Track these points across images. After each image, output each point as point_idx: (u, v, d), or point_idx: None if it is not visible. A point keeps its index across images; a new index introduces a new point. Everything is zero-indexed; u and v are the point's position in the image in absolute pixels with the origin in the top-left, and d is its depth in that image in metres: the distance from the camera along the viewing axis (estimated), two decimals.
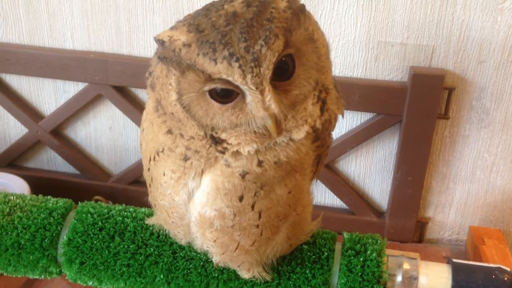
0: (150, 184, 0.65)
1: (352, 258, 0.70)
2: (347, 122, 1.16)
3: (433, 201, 1.22)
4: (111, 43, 1.19)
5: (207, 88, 0.52)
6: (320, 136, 0.59)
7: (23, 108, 1.28)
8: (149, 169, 0.63)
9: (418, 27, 1.06)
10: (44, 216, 0.77)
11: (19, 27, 1.22)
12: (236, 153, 0.55)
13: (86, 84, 1.22)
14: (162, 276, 0.73)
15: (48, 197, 0.81)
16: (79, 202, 0.79)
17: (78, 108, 1.26)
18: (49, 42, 1.22)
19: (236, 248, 0.62)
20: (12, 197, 0.80)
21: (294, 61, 0.54)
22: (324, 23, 1.08)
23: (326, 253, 0.71)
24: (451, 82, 1.10)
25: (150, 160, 0.62)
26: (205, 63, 0.50)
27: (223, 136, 0.55)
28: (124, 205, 0.79)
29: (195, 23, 0.51)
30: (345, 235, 0.74)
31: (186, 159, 0.57)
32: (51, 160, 1.36)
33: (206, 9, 0.53)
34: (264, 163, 0.56)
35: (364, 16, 1.06)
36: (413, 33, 1.07)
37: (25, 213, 0.78)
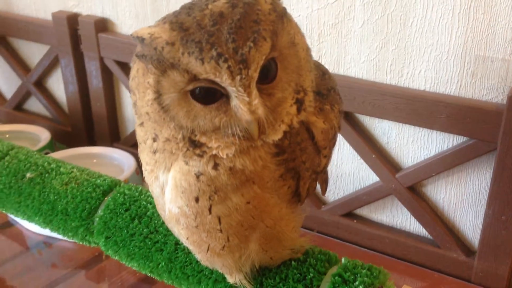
0: None
1: (337, 285, 0.64)
2: (436, 143, 1.04)
3: None
4: None
5: (190, 87, 0.52)
6: (286, 149, 0.56)
7: None
8: None
9: None
10: (90, 190, 0.86)
11: (147, 24, 1.35)
12: (214, 157, 0.55)
13: None
14: (163, 264, 0.76)
15: (102, 174, 0.90)
16: None
17: None
18: None
19: (208, 250, 0.62)
20: (74, 169, 0.91)
21: (276, 65, 0.54)
22: (415, 32, 0.98)
23: (312, 274, 0.66)
24: None
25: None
26: (190, 63, 0.49)
27: (202, 139, 0.54)
28: None
29: (178, 21, 0.51)
30: (344, 260, 0.67)
31: (154, 152, 0.59)
32: None
33: (189, 8, 0.53)
34: (220, 167, 0.55)
35: (461, 26, 0.93)
36: None
37: (77, 185, 0.88)
